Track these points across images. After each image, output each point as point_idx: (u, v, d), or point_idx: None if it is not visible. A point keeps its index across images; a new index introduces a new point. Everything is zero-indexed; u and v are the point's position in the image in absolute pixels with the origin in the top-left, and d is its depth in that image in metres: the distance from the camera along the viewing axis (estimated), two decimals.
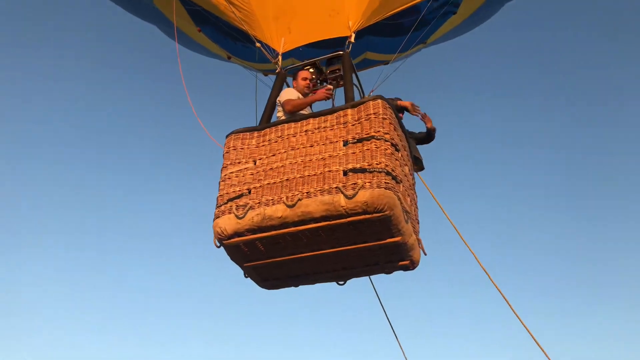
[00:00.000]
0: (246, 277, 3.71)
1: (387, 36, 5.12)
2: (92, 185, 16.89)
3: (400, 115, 4.43)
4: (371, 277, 4.28)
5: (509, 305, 4.03)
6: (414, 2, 4.36)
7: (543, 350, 3.95)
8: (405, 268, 3.47)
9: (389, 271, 3.56)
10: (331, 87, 3.92)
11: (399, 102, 4.32)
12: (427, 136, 4.55)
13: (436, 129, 4.57)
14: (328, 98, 3.82)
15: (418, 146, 4.52)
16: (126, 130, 18.04)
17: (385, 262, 3.43)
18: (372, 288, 4.79)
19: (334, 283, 3.75)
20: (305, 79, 3.98)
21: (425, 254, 3.51)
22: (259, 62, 5.89)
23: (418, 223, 3.65)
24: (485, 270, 4.15)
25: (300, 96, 3.84)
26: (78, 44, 17.92)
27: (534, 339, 3.99)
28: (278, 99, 3.88)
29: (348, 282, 3.76)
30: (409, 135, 4.48)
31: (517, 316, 4.02)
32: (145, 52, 18.81)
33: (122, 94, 18.20)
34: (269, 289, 3.83)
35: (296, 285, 3.82)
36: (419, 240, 3.51)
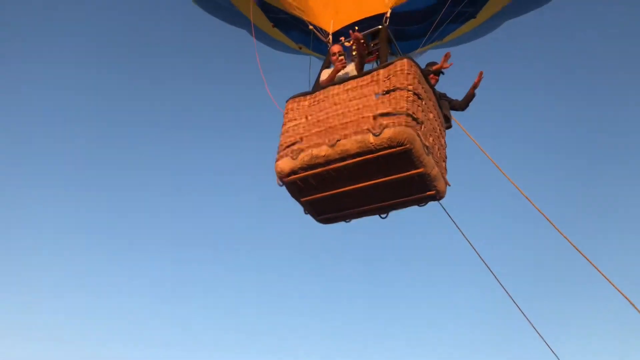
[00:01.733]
0: (306, 213, 4.57)
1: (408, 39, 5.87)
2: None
3: (436, 77, 5.07)
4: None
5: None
6: None
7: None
8: (432, 198, 4.14)
9: (420, 202, 4.25)
10: (343, 58, 4.59)
11: (434, 66, 4.97)
12: (464, 103, 5.15)
13: (475, 95, 5.16)
14: (342, 67, 4.50)
15: (453, 112, 5.14)
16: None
17: (415, 193, 4.13)
18: None
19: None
20: (333, 54, 4.64)
21: (449, 185, 4.16)
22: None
23: (445, 161, 4.30)
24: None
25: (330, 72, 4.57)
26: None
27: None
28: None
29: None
30: (444, 98, 5.11)
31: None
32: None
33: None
34: (324, 223, 4.67)
35: (346, 220, 4.62)
36: (442, 174, 4.16)
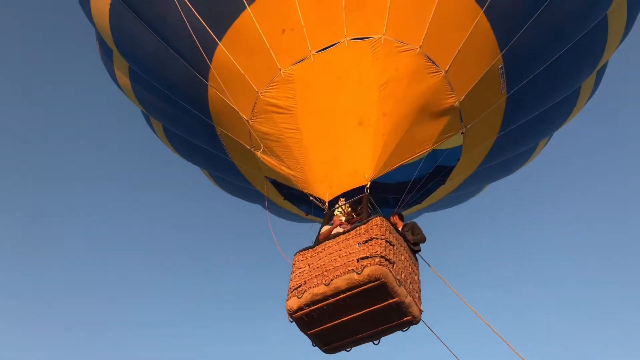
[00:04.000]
0: (313, 345, 5.63)
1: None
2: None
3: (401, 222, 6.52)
4: None
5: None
6: (407, 161, 6.73)
7: None
8: (410, 323, 5.25)
9: (402, 327, 5.33)
10: (342, 220, 6.14)
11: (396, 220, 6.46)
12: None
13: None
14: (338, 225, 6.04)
15: None
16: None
17: (396, 319, 5.25)
18: None
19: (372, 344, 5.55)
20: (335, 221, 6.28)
21: (422, 310, 5.29)
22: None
23: (418, 292, 5.49)
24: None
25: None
26: None
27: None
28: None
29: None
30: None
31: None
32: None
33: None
34: (329, 353, 5.71)
35: (347, 349, 5.64)
36: (416, 302, 5.31)
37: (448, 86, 6.61)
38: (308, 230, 7.96)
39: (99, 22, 8.64)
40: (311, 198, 6.76)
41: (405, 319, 5.23)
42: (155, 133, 10.42)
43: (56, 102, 26.10)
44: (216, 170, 10.27)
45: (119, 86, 9.76)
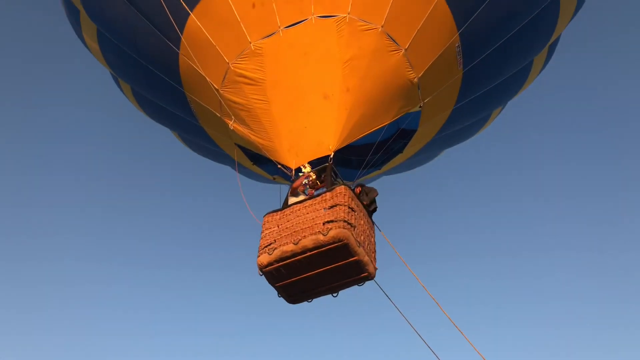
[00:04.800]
0: (279, 296, 6.27)
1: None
2: None
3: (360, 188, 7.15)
4: None
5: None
6: (368, 132, 7.28)
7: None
8: (367, 278, 5.95)
9: (359, 282, 6.04)
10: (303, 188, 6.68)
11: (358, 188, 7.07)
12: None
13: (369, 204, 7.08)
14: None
15: None
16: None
17: (354, 275, 5.93)
18: None
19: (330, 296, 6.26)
20: (297, 186, 6.77)
21: (377, 268, 6.00)
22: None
23: (374, 253, 6.18)
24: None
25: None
26: None
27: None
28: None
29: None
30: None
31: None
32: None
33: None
34: (293, 303, 6.37)
35: (309, 299, 6.32)
36: (372, 261, 6.01)
37: (407, 63, 7.12)
38: (276, 192, 8.49)
39: None
40: (279, 166, 7.26)
41: (362, 275, 5.93)
42: (124, 94, 10.56)
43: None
44: (186, 133, 10.58)
45: (86, 47, 9.79)
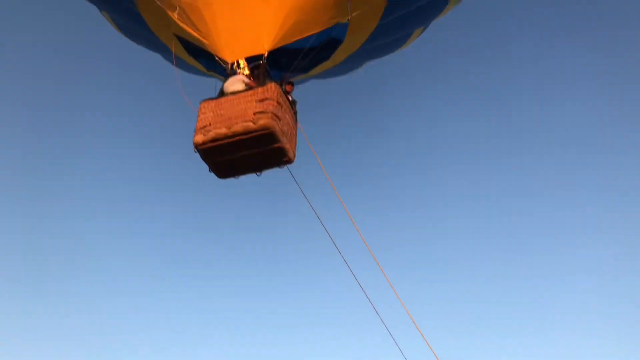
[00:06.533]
0: (210, 171, 7.31)
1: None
2: None
3: (292, 86, 8.15)
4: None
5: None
6: (304, 36, 8.10)
7: None
8: (287, 162, 7.14)
9: (280, 165, 7.21)
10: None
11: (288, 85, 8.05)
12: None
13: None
14: None
15: None
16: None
17: (277, 159, 7.08)
18: None
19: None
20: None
21: (295, 155, 7.19)
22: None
23: (295, 143, 7.33)
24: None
25: None
26: None
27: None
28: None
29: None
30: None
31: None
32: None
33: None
34: (222, 178, 7.45)
35: (236, 176, 7.43)
36: (293, 149, 7.17)
37: None
38: (211, 85, 9.23)
39: None
40: (217, 58, 7.96)
41: (284, 159, 7.10)
42: None
43: None
44: (119, 15, 10.64)
45: None
